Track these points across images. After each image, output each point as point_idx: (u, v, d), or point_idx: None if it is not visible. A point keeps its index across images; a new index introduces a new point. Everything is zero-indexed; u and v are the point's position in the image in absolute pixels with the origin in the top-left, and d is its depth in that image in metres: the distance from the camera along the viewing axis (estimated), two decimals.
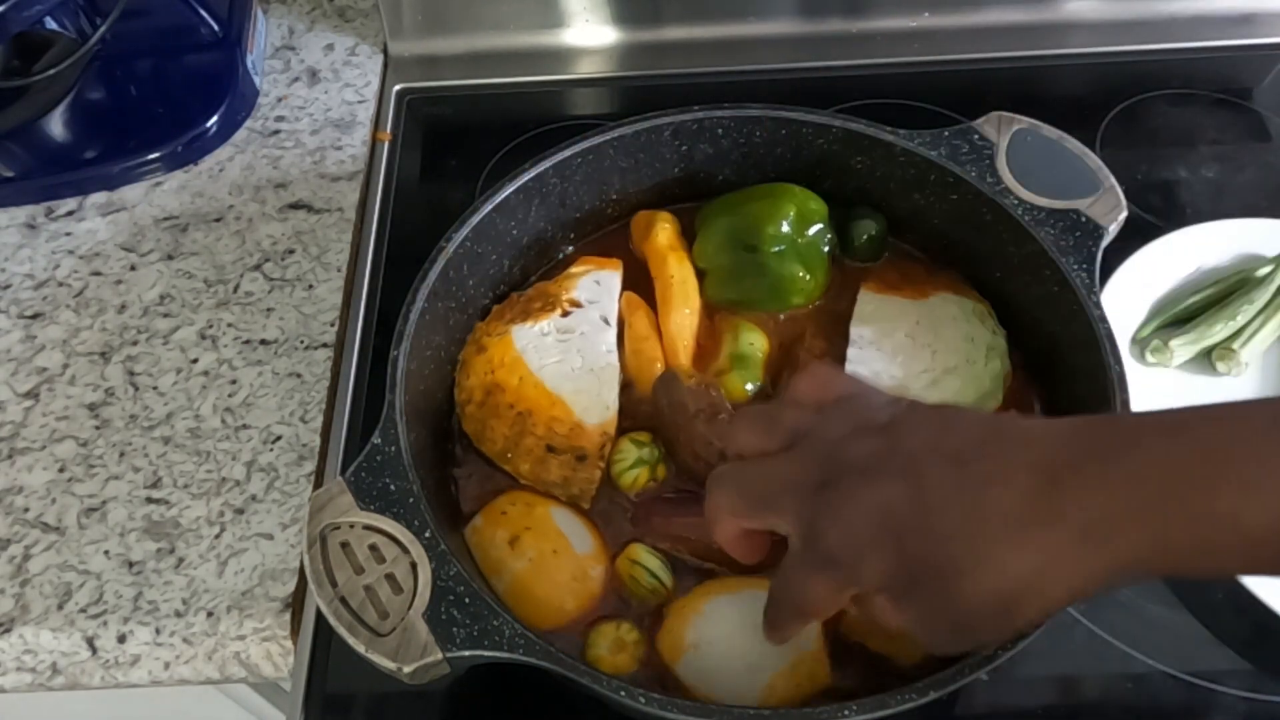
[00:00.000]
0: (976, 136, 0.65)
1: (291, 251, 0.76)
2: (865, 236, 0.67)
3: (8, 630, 0.59)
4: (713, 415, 0.58)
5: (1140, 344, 0.67)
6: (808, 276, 0.65)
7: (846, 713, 0.45)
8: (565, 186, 0.67)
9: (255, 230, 0.77)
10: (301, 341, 0.71)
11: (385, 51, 0.90)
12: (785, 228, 0.64)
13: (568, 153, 0.65)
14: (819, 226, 0.66)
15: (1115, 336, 0.56)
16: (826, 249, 0.66)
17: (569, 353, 0.61)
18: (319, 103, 0.86)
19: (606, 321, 0.64)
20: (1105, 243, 0.61)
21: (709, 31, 0.89)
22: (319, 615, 0.58)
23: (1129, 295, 0.68)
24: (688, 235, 0.68)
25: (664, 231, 0.67)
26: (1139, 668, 0.57)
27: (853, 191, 0.68)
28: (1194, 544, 0.36)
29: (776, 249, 0.64)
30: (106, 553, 0.61)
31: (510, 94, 0.88)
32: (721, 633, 0.53)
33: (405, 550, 0.49)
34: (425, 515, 0.50)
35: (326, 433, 0.67)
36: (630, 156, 0.67)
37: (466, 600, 0.47)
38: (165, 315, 0.72)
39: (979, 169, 0.64)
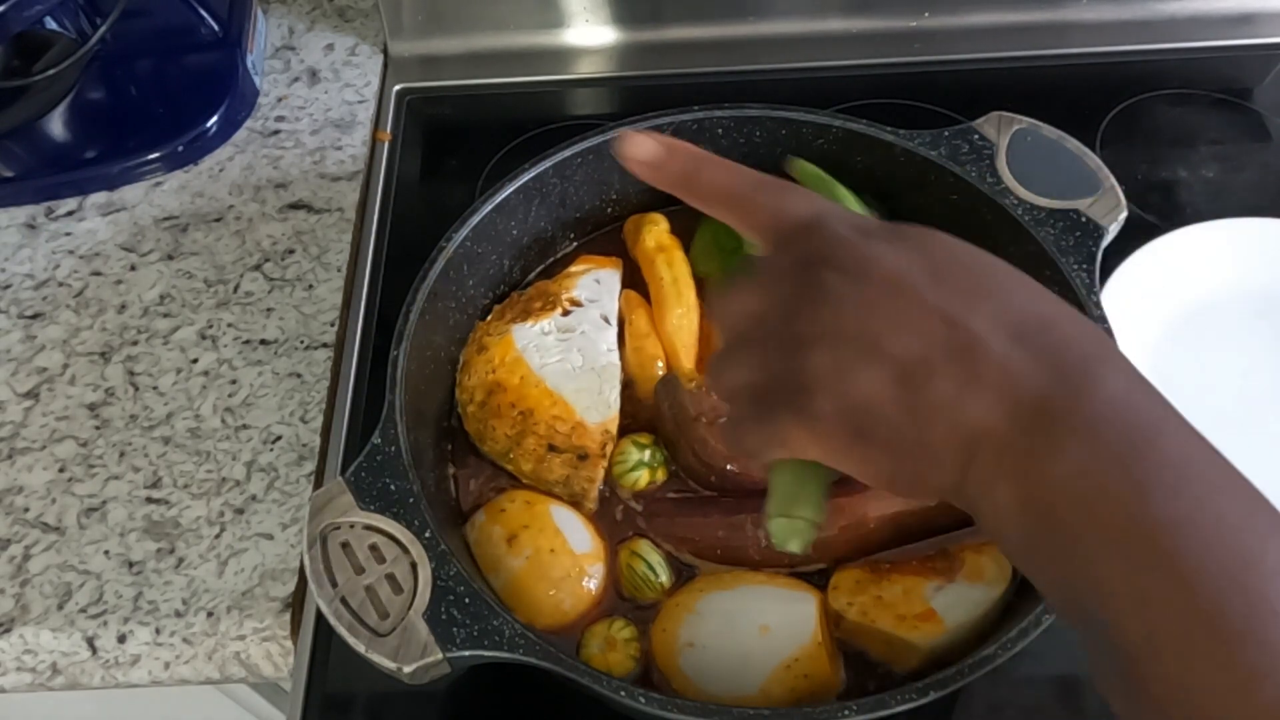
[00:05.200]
0: (976, 136, 0.65)
1: (291, 251, 0.76)
2: None
3: (8, 630, 0.59)
4: (714, 419, 0.58)
5: None
6: None
7: (846, 713, 0.45)
8: (565, 186, 0.67)
9: (255, 230, 0.77)
10: (301, 341, 0.71)
11: (385, 51, 0.90)
12: None
13: (568, 153, 0.65)
14: None
15: (1115, 336, 0.56)
16: None
17: (570, 352, 0.61)
18: (319, 103, 0.86)
19: (607, 320, 0.64)
20: (1105, 243, 0.61)
21: (709, 31, 0.89)
22: (319, 615, 0.58)
23: (1129, 295, 0.68)
24: (690, 237, 0.68)
25: (651, 234, 0.67)
26: None
27: (853, 192, 0.68)
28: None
29: None
30: (106, 553, 0.61)
31: (510, 94, 0.88)
32: (716, 630, 0.53)
33: (405, 550, 0.49)
34: (425, 515, 0.50)
35: (326, 433, 0.67)
36: None
37: (467, 600, 0.47)
38: (165, 315, 0.72)
39: (979, 169, 0.64)
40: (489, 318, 0.65)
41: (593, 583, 0.56)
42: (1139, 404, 0.32)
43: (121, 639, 0.59)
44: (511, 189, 0.64)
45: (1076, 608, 0.31)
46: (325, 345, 0.70)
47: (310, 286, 0.74)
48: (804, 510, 0.39)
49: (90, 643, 0.59)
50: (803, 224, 0.38)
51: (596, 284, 0.65)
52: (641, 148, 0.42)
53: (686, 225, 0.69)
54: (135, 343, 0.71)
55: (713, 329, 0.65)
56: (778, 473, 0.40)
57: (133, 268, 0.75)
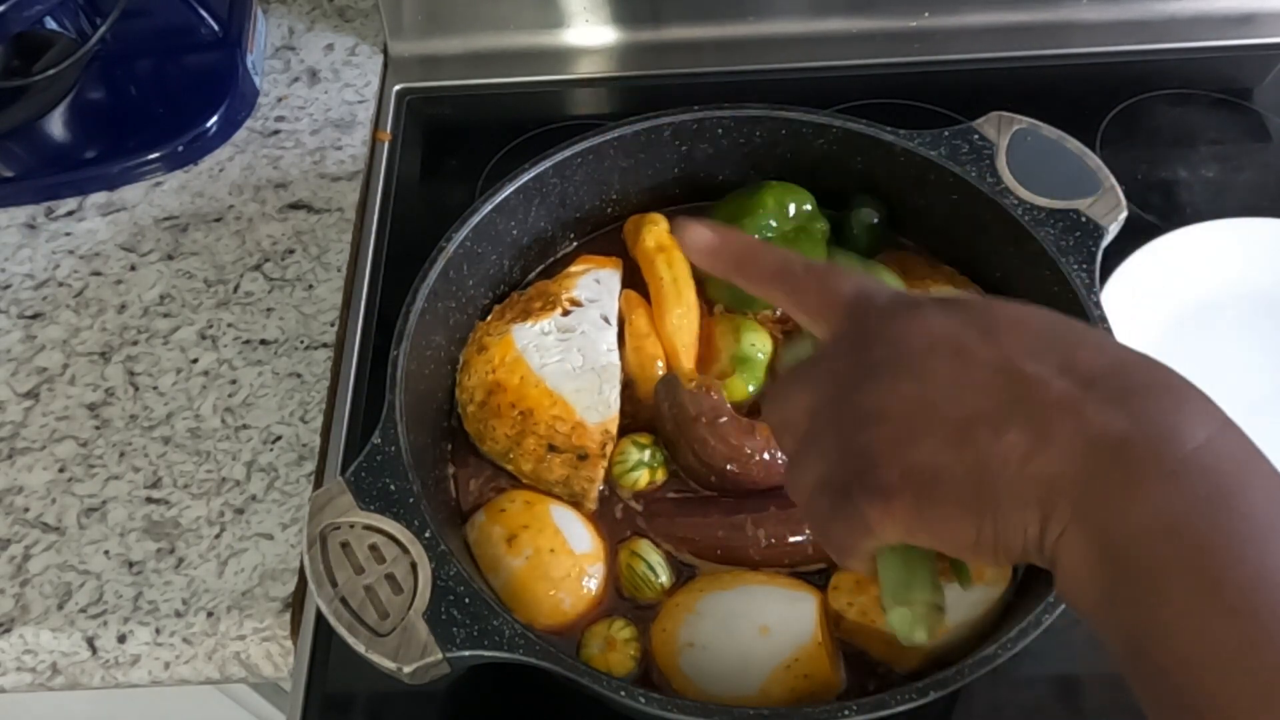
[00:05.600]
0: (976, 136, 0.65)
1: (291, 251, 0.76)
2: (865, 226, 0.67)
3: (8, 630, 0.59)
4: (713, 419, 0.58)
5: None
6: None
7: (846, 713, 0.45)
8: (565, 186, 0.67)
9: (255, 230, 0.77)
10: (301, 341, 0.71)
11: (385, 51, 0.90)
12: (765, 219, 0.64)
13: (568, 153, 0.65)
14: (806, 210, 0.66)
15: (1115, 336, 0.56)
16: (821, 236, 0.66)
17: (570, 352, 0.61)
18: (319, 103, 0.86)
19: (607, 320, 0.64)
20: (1105, 243, 0.61)
21: (709, 31, 0.89)
22: (319, 615, 0.58)
23: (1129, 295, 0.68)
24: None
25: (651, 234, 0.67)
26: None
27: (853, 192, 0.68)
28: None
29: (758, 239, 0.64)
30: (106, 553, 0.61)
31: (510, 94, 0.88)
32: (716, 630, 0.53)
33: (405, 550, 0.49)
34: (425, 515, 0.50)
35: (326, 433, 0.67)
36: (630, 156, 0.67)
37: (466, 600, 0.47)
38: (165, 315, 0.72)
39: (979, 169, 0.64)
40: (489, 318, 0.65)
41: (593, 583, 0.56)
42: (1225, 450, 0.30)
43: (121, 639, 0.59)
44: (511, 189, 0.64)
45: (1149, 665, 0.30)
46: (325, 345, 0.70)
47: (310, 286, 0.74)
48: (920, 593, 0.37)
49: (90, 643, 0.59)
50: (848, 303, 0.38)
51: (596, 284, 0.65)
52: (699, 236, 0.43)
53: None
54: (135, 343, 0.71)
55: (712, 329, 0.65)
56: (883, 563, 0.38)
57: (133, 268, 0.75)
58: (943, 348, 0.34)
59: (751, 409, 0.62)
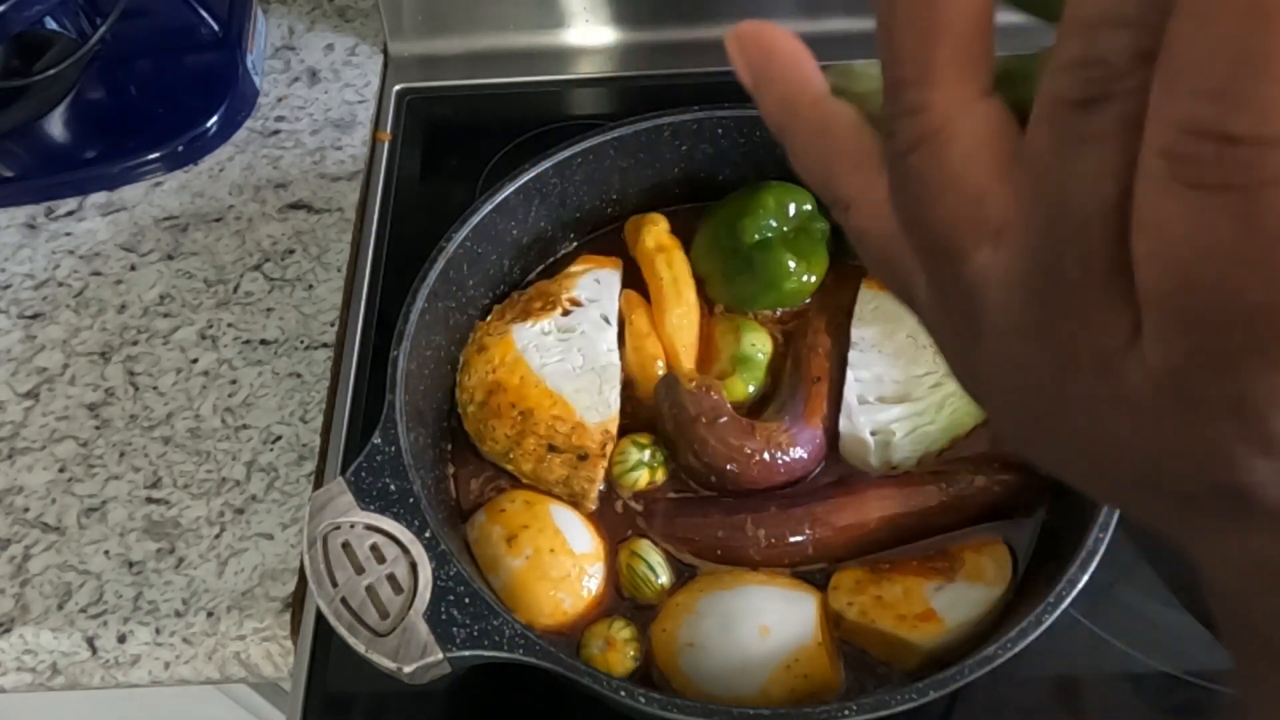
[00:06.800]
0: None
1: (291, 251, 0.76)
2: None
3: (8, 630, 0.59)
4: (713, 419, 0.58)
5: None
6: (798, 264, 0.64)
7: (846, 713, 0.45)
8: (565, 186, 0.67)
9: (255, 230, 0.77)
10: (301, 341, 0.71)
11: (385, 51, 0.90)
12: (765, 219, 0.64)
13: (568, 153, 0.65)
14: (806, 210, 0.65)
15: None
16: (821, 236, 0.66)
17: (570, 352, 0.61)
18: (319, 103, 0.86)
19: (607, 320, 0.64)
20: None
21: (709, 31, 0.89)
22: (319, 615, 0.58)
23: None
24: (690, 237, 0.68)
25: (650, 234, 0.67)
26: (1139, 667, 0.57)
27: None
28: None
29: (758, 239, 0.64)
30: (106, 553, 0.61)
31: (510, 94, 0.88)
32: (716, 630, 0.53)
33: (405, 550, 0.49)
34: (425, 515, 0.50)
35: (326, 433, 0.67)
36: (630, 156, 0.67)
37: (467, 600, 0.48)
38: (165, 315, 0.72)
39: None
40: (489, 318, 0.65)
41: (593, 583, 0.56)
42: None
43: (121, 639, 0.59)
44: (511, 189, 0.64)
45: None
46: (325, 345, 0.70)
47: (310, 286, 0.74)
48: None
49: (90, 643, 0.59)
50: None
51: (596, 284, 0.65)
52: None
53: (686, 225, 0.69)
54: (135, 343, 0.71)
55: (712, 329, 0.65)
56: None
57: (133, 268, 0.75)
58: None
59: (751, 409, 0.63)
